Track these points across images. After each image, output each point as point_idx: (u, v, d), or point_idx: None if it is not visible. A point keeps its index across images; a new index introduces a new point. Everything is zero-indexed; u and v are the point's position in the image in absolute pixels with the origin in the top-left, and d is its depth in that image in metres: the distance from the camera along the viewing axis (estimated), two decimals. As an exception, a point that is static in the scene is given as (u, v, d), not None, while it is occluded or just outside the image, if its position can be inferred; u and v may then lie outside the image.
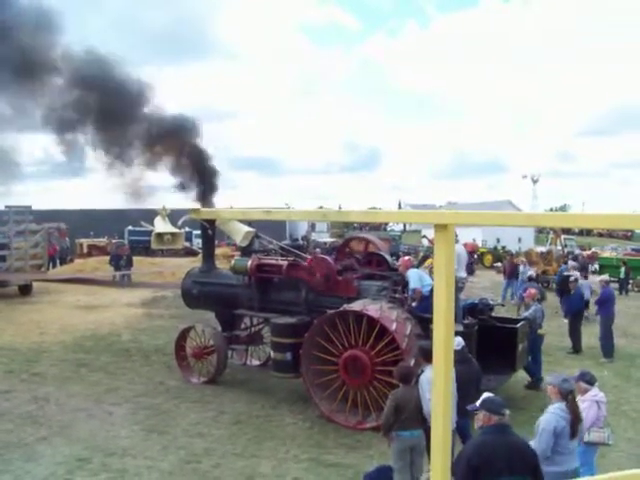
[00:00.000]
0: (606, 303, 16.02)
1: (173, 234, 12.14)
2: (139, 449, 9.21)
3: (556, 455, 6.40)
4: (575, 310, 16.62)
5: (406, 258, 13.38)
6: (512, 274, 25.93)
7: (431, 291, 10.65)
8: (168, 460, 8.84)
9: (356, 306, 10.52)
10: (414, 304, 11.14)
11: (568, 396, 6.58)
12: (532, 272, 22.85)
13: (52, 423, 10.33)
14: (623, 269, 31.23)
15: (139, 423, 10.32)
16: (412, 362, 9.28)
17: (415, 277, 11.40)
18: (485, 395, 5.88)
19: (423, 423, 7.38)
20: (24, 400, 11.45)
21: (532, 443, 6.19)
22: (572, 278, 18.21)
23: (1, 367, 13.79)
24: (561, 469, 6.34)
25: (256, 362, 14.12)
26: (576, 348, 15.86)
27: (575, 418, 6.49)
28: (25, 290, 25.24)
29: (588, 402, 7.24)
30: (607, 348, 15.43)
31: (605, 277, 18.21)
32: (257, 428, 10.28)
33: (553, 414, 6.52)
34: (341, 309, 10.54)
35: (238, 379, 13.03)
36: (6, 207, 25.19)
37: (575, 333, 16.26)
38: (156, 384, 12.53)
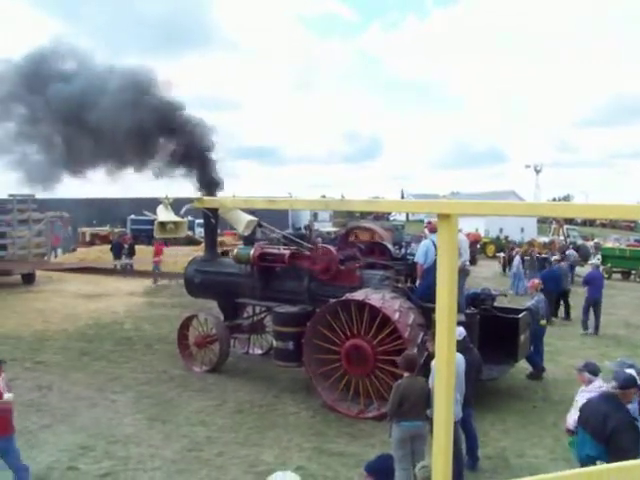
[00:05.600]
0: (591, 283, 17.98)
1: (176, 223, 12.10)
2: (142, 437, 9.25)
3: None
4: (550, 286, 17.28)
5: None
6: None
7: (433, 265, 10.65)
8: (171, 448, 8.88)
9: (358, 295, 10.53)
10: (417, 281, 11.25)
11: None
12: (557, 256, 23.97)
13: (55, 411, 10.39)
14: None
15: (142, 411, 10.36)
16: (415, 351, 9.32)
17: (422, 250, 11.39)
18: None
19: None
20: (28, 388, 11.51)
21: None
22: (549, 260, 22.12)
23: (6, 355, 13.77)
24: None
25: (258, 351, 14.15)
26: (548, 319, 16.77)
27: None
28: (28, 279, 25.32)
29: (593, 393, 7.24)
30: (584, 321, 17.52)
31: (595, 261, 21.57)
32: (260, 417, 10.31)
33: None
34: (343, 298, 10.54)
35: (240, 368, 13.07)
36: (9, 196, 25.18)
37: (552, 305, 17.17)
38: (159, 373, 12.57)
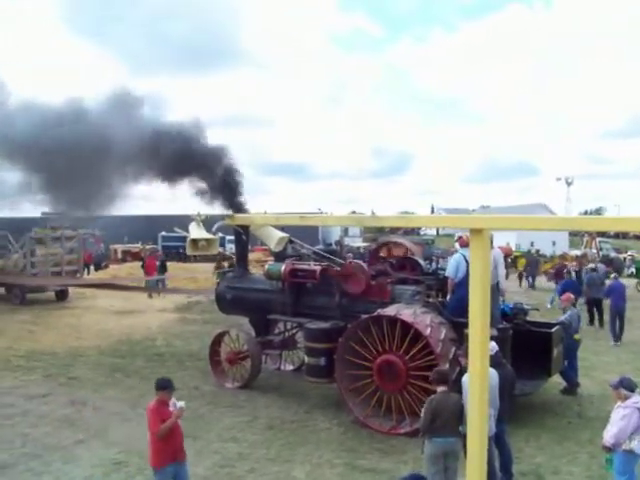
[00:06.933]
0: (612, 293, 18.56)
1: (208, 240, 12.22)
2: (174, 453, 9.28)
3: None
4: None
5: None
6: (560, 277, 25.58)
7: (464, 279, 10.61)
8: (203, 464, 8.88)
9: (390, 311, 10.50)
10: (448, 296, 11.23)
11: None
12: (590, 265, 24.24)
13: (89, 426, 10.47)
14: None
15: (174, 427, 10.39)
16: (447, 366, 9.26)
17: (452, 265, 11.35)
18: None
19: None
20: (62, 403, 11.62)
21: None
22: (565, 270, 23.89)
23: (40, 371, 14.01)
24: None
25: (290, 367, 14.15)
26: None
27: None
28: (61, 295, 25.70)
29: (630, 409, 7.13)
30: (612, 332, 17.87)
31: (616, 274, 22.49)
32: (291, 433, 10.29)
33: None
34: (375, 314, 10.51)
35: (272, 384, 13.07)
36: (43, 214, 25.54)
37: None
38: (190, 389, 12.60)
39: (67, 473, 8.59)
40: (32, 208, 18.03)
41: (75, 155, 13.20)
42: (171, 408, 6.98)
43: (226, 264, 23.99)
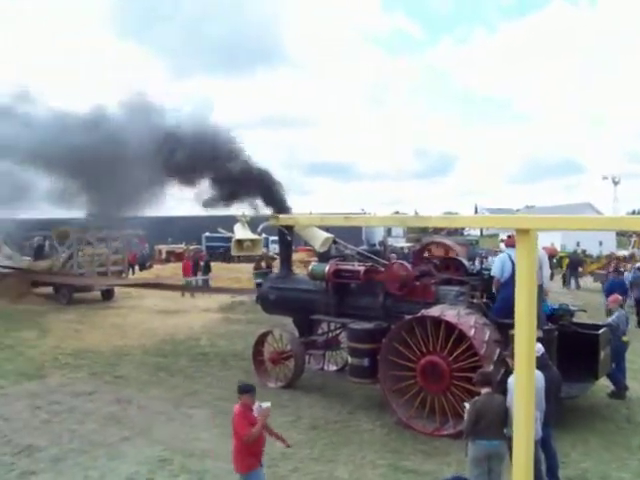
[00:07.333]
0: None
1: (253, 240, 12.31)
2: (218, 452, 9.30)
3: None
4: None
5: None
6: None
7: (509, 279, 10.51)
8: (246, 463, 8.91)
9: (434, 311, 10.43)
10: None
11: None
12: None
13: (134, 424, 10.60)
14: None
15: (218, 426, 10.44)
16: (491, 368, 9.16)
17: (498, 265, 11.29)
18: None
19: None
20: (107, 401, 11.79)
21: None
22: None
23: (86, 369, 14.24)
24: None
25: (333, 367, 14.13)
26: None
27: None
28: (107, 295, 26.10)
29: None
30: None
31: None
32: (334, 433, 10.28)
33: None
34: (419, 315, 10.46)
35: (315, 384, 13.07)
36: (88, 215, 25.94)
37: None
38: (234, 388, 12.63)
39: (113, 469, 8.72)
40: (75, 210, 19.10)
41: (113, 160, 13.94)
42: (255, 412, 6.84)
43: (264, 264, 24.08)
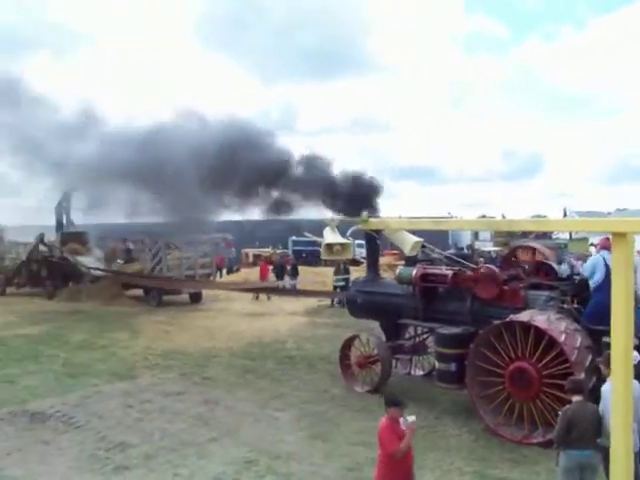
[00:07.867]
0: None
1: (342, 244, 12.31)
2: (303, 455, 9.33)
3: None
4: None
5: None
6: None
7: (602, 283, 10.18)
8: (331, 467, 8.90)
9: (523, 317, 10.17)
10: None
11: None
12: None
13: (221, 425, 10.72)
14: None
15: (303, 429, 10.47)
16: (582, 375, 8.87)
17: (588, 267, 11.02)
18: None
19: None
20: (196, 402, 11.98)
21: None
22: None
23: (176, 370, 14.53)
24: None
25: (420, 372, 13.95)
26: None
27: None
28: (195, 298, 26.58)
29: None
30: None
31: None
32: (421, 438, 10.11)
33: None
34: (507, 320, 10.21)
35: (402, 389, 12.90)
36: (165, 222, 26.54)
37: None
38: (320, 392, 12.68)
39: (202, 468, 8.85)
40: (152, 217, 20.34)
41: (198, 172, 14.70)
42: (402, 426, 6.62)
43: (341, 267, 24.06)
